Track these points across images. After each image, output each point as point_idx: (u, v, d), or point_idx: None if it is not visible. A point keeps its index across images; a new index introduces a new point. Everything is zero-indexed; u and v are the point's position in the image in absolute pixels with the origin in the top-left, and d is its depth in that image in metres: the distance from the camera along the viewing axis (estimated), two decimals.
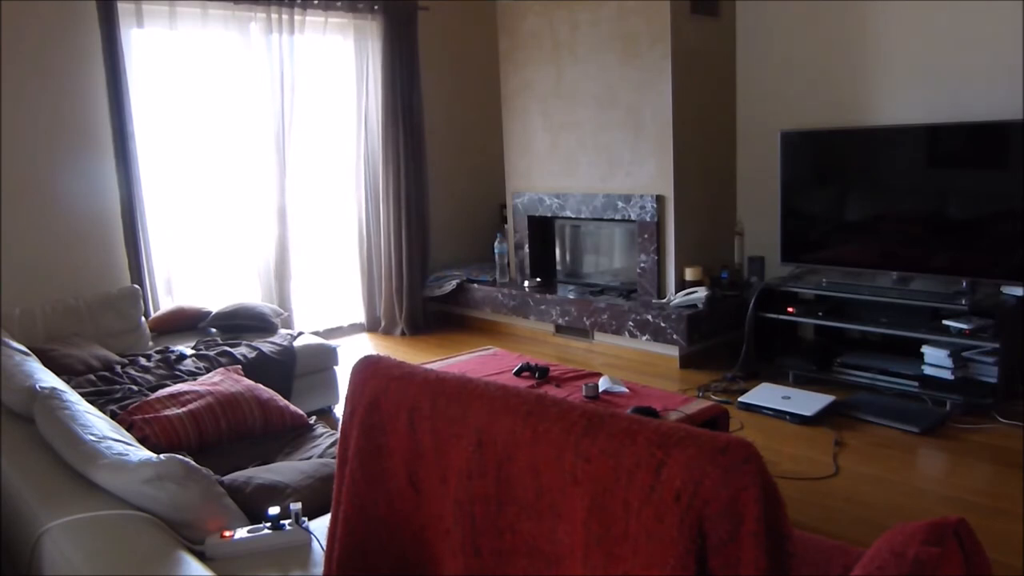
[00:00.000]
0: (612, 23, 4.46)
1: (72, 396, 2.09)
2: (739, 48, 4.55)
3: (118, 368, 3.21)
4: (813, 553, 1.60)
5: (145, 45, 4.07)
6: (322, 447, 2.46)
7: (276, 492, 1.92)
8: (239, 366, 3.21)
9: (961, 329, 3.33)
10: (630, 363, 4.35)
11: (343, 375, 3.74)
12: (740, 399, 3.56)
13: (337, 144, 4.93)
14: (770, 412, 3.44)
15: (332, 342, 3.80)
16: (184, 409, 2.48)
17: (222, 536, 1.65)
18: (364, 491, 1.43)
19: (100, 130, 3.90)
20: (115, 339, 3.60)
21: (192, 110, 4.25)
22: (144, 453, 1.79)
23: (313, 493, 1.94)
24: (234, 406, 2.56)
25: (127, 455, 1.75)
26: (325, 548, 1.50)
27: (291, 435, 2.60)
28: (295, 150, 4.62)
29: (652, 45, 4.28)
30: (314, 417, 2.88)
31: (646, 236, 4.46)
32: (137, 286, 3.86)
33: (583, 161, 4.79)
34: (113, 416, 2.47)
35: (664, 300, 4.40)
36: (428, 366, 1.72)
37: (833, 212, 3.96)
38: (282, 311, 4.01)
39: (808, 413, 3.33)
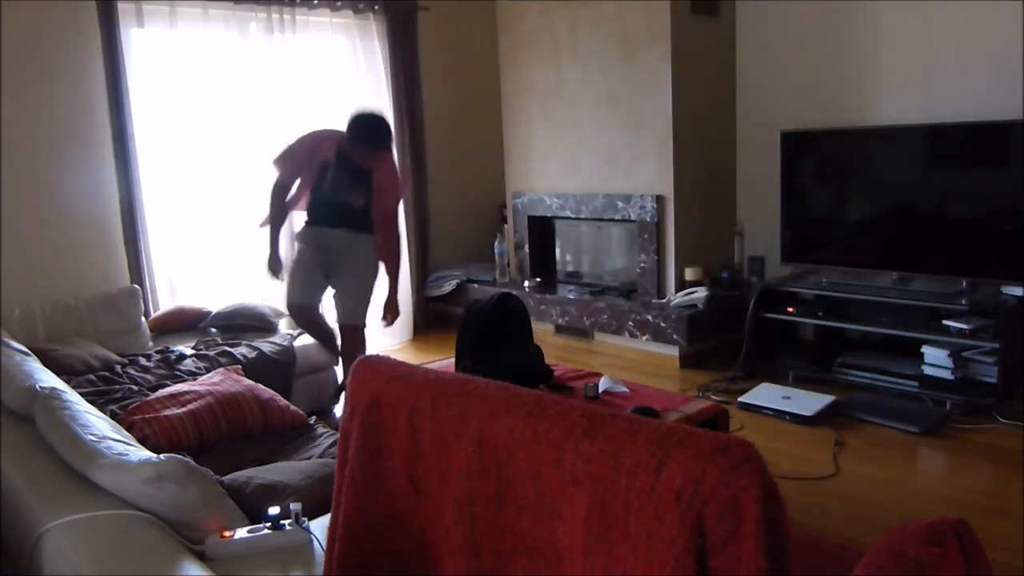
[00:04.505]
0: (612, 23, 4.46)
1: (72, 396, 2.09)
2: (739, 48, 4.55)
3: (118, 368, 3.22)
4: (813, 553, 1.60)
5: (145, 45, 4.07)
6: (322, 447, 2.46)
7: (276, 492, 1.92)
8: (239, 366, 3.21)
9: (961, 329, 3.33)
10: (630, 363, 4.35)
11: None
12: (740, 399, 3.56)
13: None
14: (770, 412, 3.44)
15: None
16: (184, 409, 2.48)
17: (222, 536, 1.65)
18: (364, 491, 1.43)
19: (100, 130, 3.90)
20: (115, 339, 3.60)
21: (192, 110, 4.25)
22: (144, 453, 1.79)
23: (313, 493, 1.94)
24: (234, 406, 2.56)
25: (127, 455, 1.75)
26: (325, 548, 1.50)
27: (291, 435, 2.60)
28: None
29: (652, 45, 4.28)
30: (314, 417, 2.88)
31: (646, 236, 4.46)
32: (137, 286, 3.86)
33: (583, 161, 4.79)
34: (113, 416, 2.46)
35: (664, 300, 4.40)
36: (428, 366, 1.72)
37: (833, 212, 3.96)
38: (283, 311, 4.01)
39: (808, 413, 3.33)
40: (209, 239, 4.40)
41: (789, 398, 3.50)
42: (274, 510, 1.71)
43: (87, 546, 1.52)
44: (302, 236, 3.52)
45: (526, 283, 5.08)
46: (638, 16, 4.32)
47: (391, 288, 3.55)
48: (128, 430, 2.20)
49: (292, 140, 3.48)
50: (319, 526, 1.71)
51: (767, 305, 3.93)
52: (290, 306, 3.53)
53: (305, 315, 3.53)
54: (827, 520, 2.55)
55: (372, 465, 1.42)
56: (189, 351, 3.46)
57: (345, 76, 4.85)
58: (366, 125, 3.24)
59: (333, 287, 3.53)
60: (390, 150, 3.41)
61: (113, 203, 3.96)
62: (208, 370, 3.18)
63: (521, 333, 3.10)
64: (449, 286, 5.21)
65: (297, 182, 3.49)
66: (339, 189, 3.38)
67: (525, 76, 5.06)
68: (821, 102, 4.22)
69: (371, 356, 1.52)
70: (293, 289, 3.50)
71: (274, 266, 3.56)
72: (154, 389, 2.95)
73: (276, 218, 3.50)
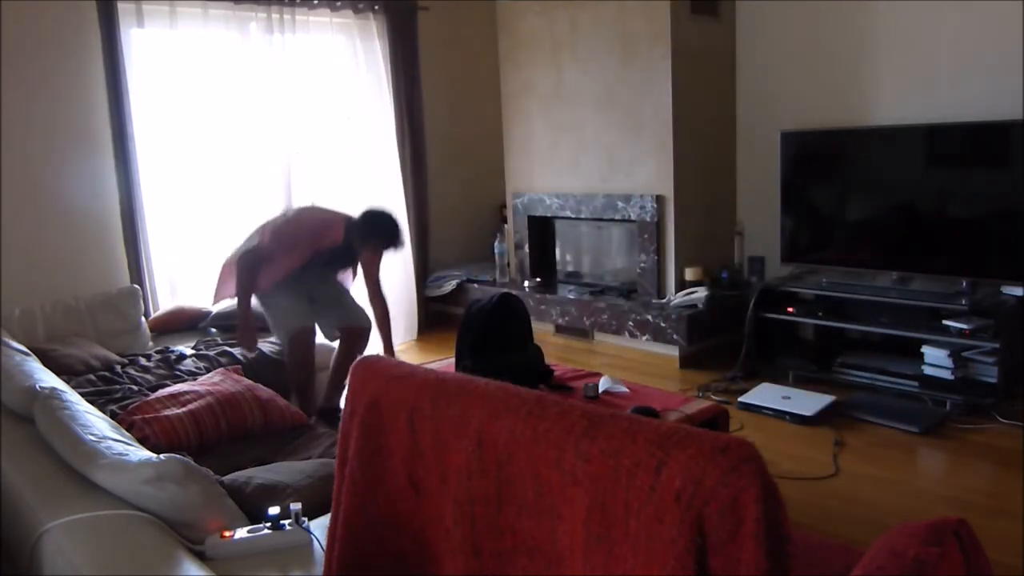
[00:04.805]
0: (612, 23, 4.46)
1: (72, 396, 2.09)
2: (739, 48, 4.55)
3: (118, 368, 3.22)
4: (813, 553, 1.60)
5: (145, 45, 4.06)
6: (322, 447, 2.46)
7: (276, 492, 1.92)
8: (239, 366, 3.21)
9: (961, 329, 3.33)
10: (630, 363, 4.35)
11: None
12: (740, 399, 3.56)
13: (337, 144, 4.92)
14: (770, 412, 3.44)
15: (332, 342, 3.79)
16: (184, 409, 2.48)
17: (222, 536, 1.65)
18: (364, 491, 1.43)
19: (100, 130, 3.90)
20: (115, 339, 3.59)
21: (192, 110, 4.25)
22: (144, 453, 1.79)
23: (313, 493, 1.94)
24: (234, 406, 2.56)
25: (127, 455, 1.75)
26: (325, 548, 1.51)
27: (291, 435, 2.60)
28: (295, 150, 4.61)
29: (652, 45, 4.28)
30: (314, 417, 2.88)
31: (646, 236, 4.46)
32: (137, 286, 3.86)
33: (583, 161, 4.79)
34: (113, 416, 2.46)
35: (664, 300, 4.40)
36: (428, 366, 1.72)
37: (833, 212, 3.96)
38: None
39: (808, 413, 3.33)
40: (209, 239, 4.40)
41: (789, 398, 3.50)
42: (274, 510, 1.71)
43: (87, 546, 1.52)
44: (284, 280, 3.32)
45: (526, 283, 5.08)
46: (638, 16, 4.32)
47: (387, 339, 3.48)
48: (128, 430, 2.20)
49: (288, 213, 3.36)
50: (319, 526, 1.71)
51: (767, 305, 3.93)
52: (294, 334, 3.26)
53: (308, 340, 3.32)
54: (827, 520, 2.55)
55: (372, 465, 1.42)
56: (189, 351, 3.46)
57: (345, 76, 4.85)
58: (388, 229, 3.25)
59: (327, 305, 3.46)
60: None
61: (113, 203, 3.96)
62: (208, 370, 3.18)
63: (521, 333, 3.09)
64: (449, 286, 5.21)
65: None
66: (331, 265, 3.42)
67: (525, 76, 5.06)
68: (821, 102, 4.22)
69: (371, 356, 1.52)
70: (293, 316, 3.30)
71: (249, 341, 3.31)
72: (154, 389, 2.95)
73: (247, 288, 3.25)
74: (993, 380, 3.29)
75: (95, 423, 1.93)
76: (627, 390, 2.92)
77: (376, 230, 3.24)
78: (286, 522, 1.69)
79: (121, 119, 3.90)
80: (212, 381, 2.72)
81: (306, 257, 3.26)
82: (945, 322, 3.40)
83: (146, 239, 4.07)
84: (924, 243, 3.61)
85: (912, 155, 3.63)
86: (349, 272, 3.59)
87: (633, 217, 4.51)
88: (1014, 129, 3.29)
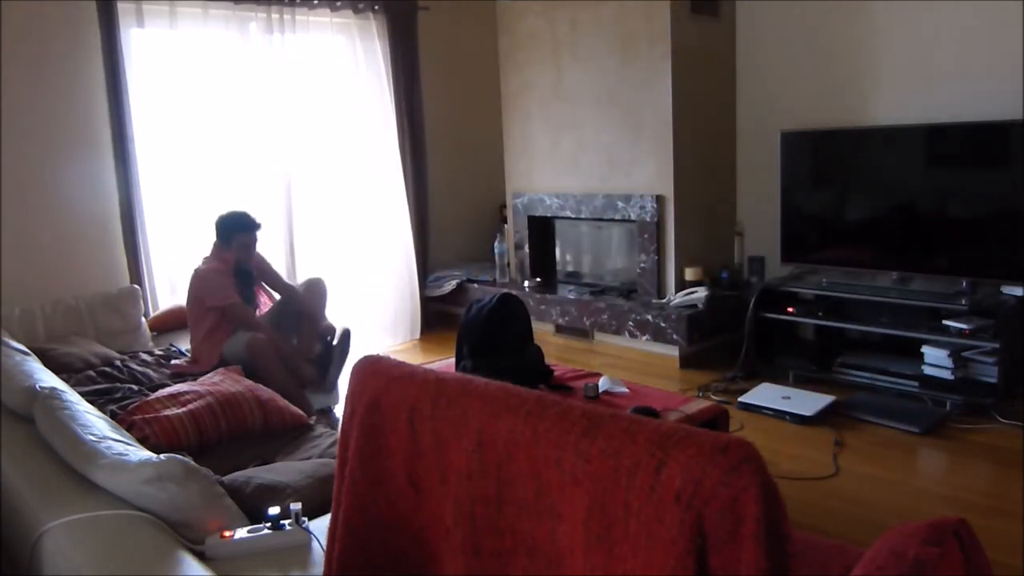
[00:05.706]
0: (612, 23, 4.46)
1: (72, 396, 2.09)
2: (739, 48, 4.55)
3: (118, 363, 3.23)
4: (813, 553, 1.60)
5: (145, 45, 4.06)
6: (322, 447, 2.46)
7: (276, 492, 1.92)
8: (239, 366, 3.21)
9: (961, 329, 3.33)
10: (630, 363, 4.35)
11: (343, 375, 3.74)
12: (740, 399, 3.56)
13: (337, 144, 4.92)
14: (770, 412, 3.44)
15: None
16: (184, 409, 2.48)
17: (222, 536, 1.65)
18: (364, 491, 1.43)
19: (100, 130, 3.90)
20: (115, 339, 3.60)
21: (192, 110, 4.24)
22: (144, 453, 1.79)
23: (313, 493, 1.94)
24: (234, 406, 2.56)
25: (127, 455, 1.75)
26: (325, 548, 1.51)
27: (291, 435, 2.60)
28: (295, 150, 4.61)
29: (652, 45, 4.28)
30: (314, 417, 2.88)
31: (646, 236, 4.46)
32: (137, 286, 3.86)
33: (583, 161, 4.79)
34: (113, 416, 2.47)
35: (664, 300, 4.40)
36: (428, 366, 1.72)
37: (833, 212, 3.96)
38: None
39: (808, 413, 3.33)
40: (209, 239, 4.39)
41: (789, 398, 3.50)
42: (274, 510, 1.71)
43: (87, 546, 1.52)
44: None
45: (526, 283, 5.08)
46: (638, 16, 4.31)
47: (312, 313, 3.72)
48: (128, 430, 2.20)
49: (205, 283, 3.49)
50: (319, 526, 1.71)
51: (767, 305, 3.93)
52: (251, 342, 3.34)
53: (268, 347, 3.44)
54: (827, 520, 2.55)
55: (372, 465, 1.42)
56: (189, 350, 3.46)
57: (345, 76, 4.85)
58: (244, 220, 3.50)
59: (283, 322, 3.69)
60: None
61: (113, 203, 3.96)
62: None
63: (521, 333, 3.09)
64: (449, 286, 5.21)
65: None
66: (246, 292, 3.60)
67: (525, 76, 5.06)
68: (821, 102, 4.22)
69: (371, 356, 1.52)
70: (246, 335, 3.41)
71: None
72: (154, 389, 2.95)
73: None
74: (993, 380, 3.29)
75: (95, 423, 1.93)
76: (627, 390, 2.92)
77: (236, 225, 3.49)
78: (286, 522, 1.69)
79: (121, 119, 3.90)
80: (212, 381, 2.72)
81: (230, 298, 3.43)
82: (945, 322, 3.40)
83: (146, 239, 4.06)
84: (924, 243, 3.61)
85: (912, 155, 3.63)
86: (260, 292, 3.75)
87: (633, 217, 4.51)
88: (1014, 129, 3.29)
